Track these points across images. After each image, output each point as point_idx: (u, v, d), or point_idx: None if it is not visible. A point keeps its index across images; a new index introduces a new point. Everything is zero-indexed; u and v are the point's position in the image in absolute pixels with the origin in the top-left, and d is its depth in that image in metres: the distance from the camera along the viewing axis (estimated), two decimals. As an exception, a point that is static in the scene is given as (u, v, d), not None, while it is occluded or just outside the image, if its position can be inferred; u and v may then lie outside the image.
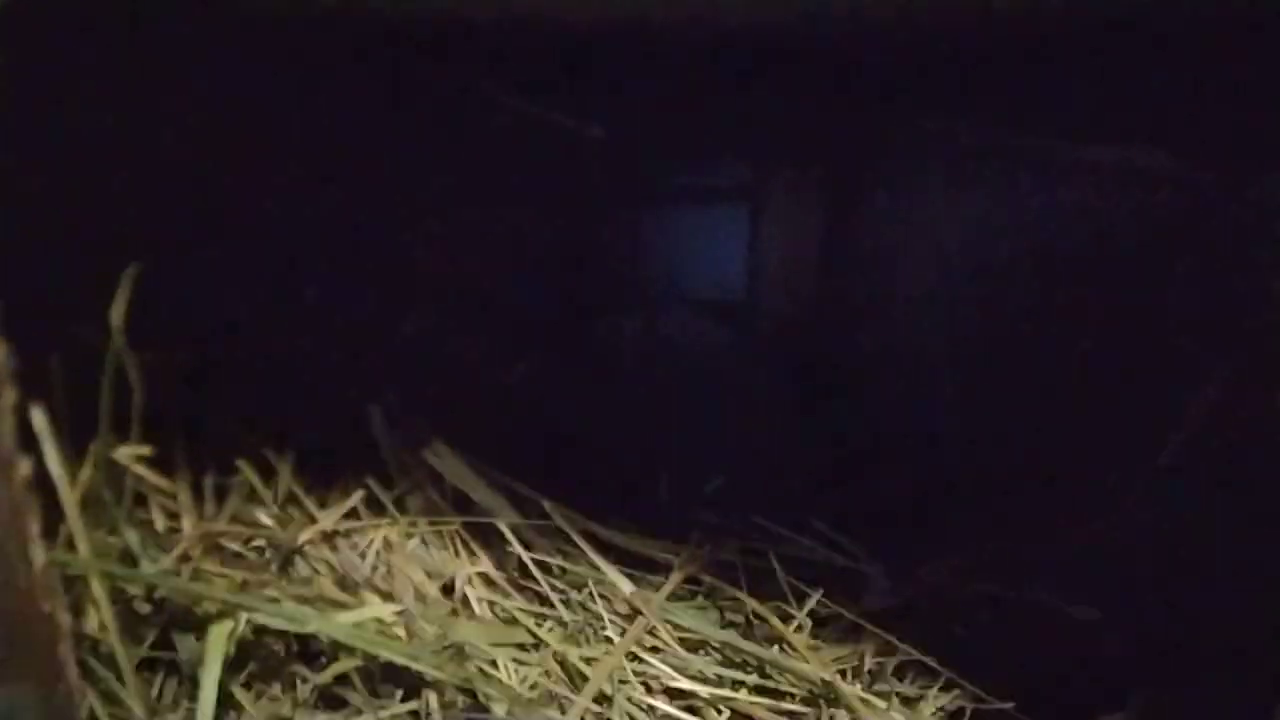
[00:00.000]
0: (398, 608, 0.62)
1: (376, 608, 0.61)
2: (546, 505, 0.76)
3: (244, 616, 0.58)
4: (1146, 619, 0.68)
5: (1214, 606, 0.65)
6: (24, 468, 0.48)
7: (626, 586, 0.75)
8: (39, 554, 0.48)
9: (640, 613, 0.72)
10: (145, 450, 0.54)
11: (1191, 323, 0.69)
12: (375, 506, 0.70)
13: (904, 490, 0.86)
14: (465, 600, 0.69)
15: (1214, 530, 0.67)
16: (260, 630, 0.60)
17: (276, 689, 0.60)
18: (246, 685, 0.60)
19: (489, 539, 0.74)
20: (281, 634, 0.61)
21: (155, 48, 0.60)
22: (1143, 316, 0.71)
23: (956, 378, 0.86)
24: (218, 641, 0.56)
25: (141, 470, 0.55)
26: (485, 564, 0.73)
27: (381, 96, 0.80)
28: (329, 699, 0.60)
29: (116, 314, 0.51)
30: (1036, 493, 0.79)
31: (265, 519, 0.67)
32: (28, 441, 0.50)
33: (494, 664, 0.64)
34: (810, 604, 0.75)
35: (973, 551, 0.81)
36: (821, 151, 0.99)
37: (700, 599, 0.76)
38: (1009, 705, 0.66)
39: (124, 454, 0.53)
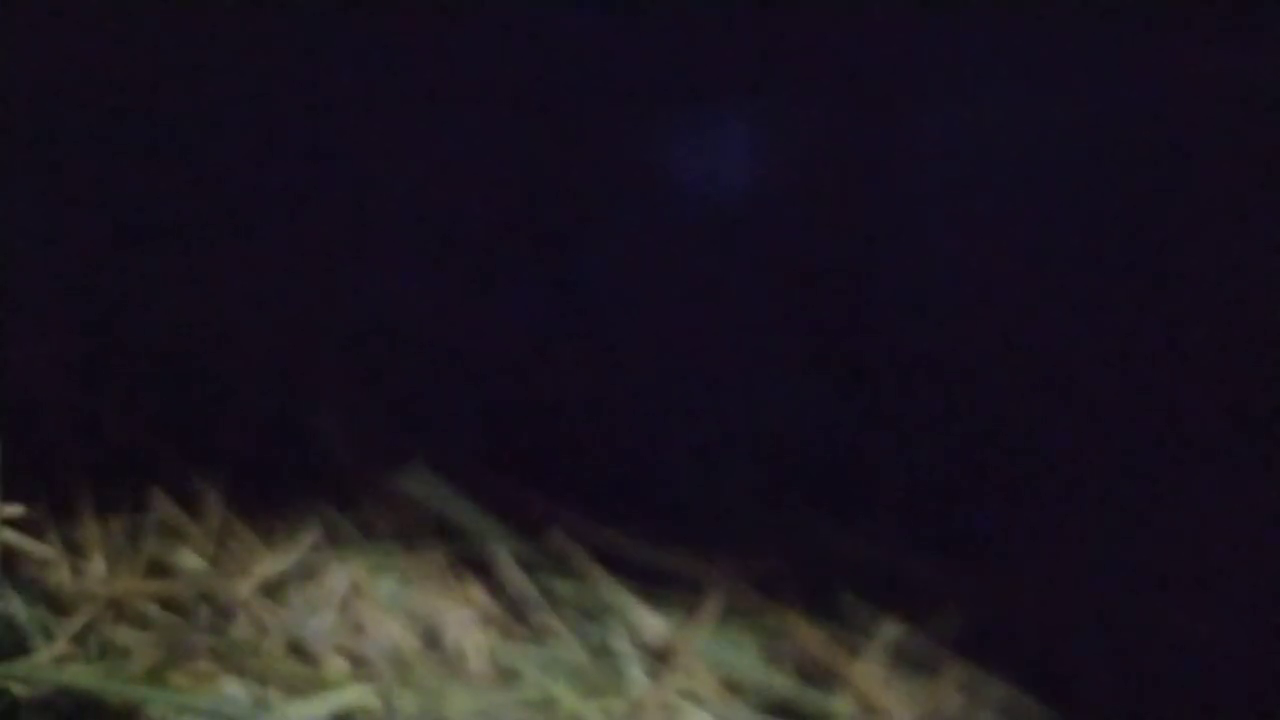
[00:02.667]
0: (372, 689, 0.52)
1: (351, 691, 0.52)
2: (547, 524, 0.68)
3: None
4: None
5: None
6: None
7: (652, 620, 0.67)
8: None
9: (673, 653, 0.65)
10: (15, 511, 0.43)
11: None
12: (333, 545, 0.61)
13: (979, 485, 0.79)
14: (455, 657, 0.60)
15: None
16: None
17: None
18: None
19: (480, 571, 0.66)
20: None
21: None
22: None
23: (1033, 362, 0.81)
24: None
25: (11, 536, 0.44)
26: (477, 601, 0.65)
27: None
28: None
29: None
30: (1128, 492, 0.74)
31: (192, 563, 0.57)
32: None
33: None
34: (881, 630, 0.68)
35: (1068, 557, 0.75)
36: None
37: (746, 631, 0.69)
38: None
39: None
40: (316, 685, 0.54)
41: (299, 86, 0.75)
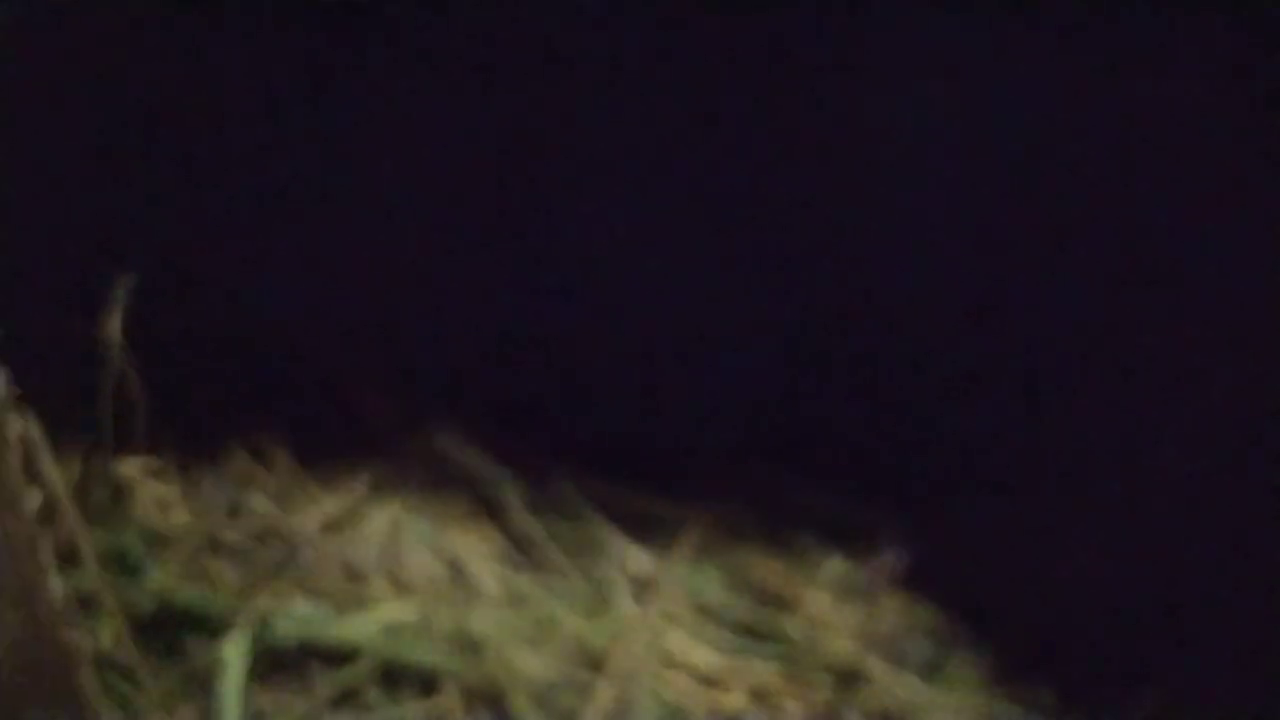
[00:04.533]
0: (413, 606, 0.66)
1: (393, 606, 0.66)
2: (552, 473, 0.80)
3: (258, 618, 0.62)
4: (1174, 584, 0.74)
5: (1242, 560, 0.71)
6: (33, 500, 0.51)
7: (639, 555, 0.79)
8: (56, 584, 0.51)
9: (655, 582, 0.78)
10: (155, 463, 0.56)
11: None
12: (376, 489, 0.74)
13: (923, 435, 0.90)
14: (475, 582, 0.73)
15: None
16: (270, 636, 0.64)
17: (291, 689, 0.65)
18: (260, 686, 0.64)
19: (493, 513, 0.78)
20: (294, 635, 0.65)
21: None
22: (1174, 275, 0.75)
23: (974, 329, 0.90)
24: (235, 650, 0.60)
25: (149, 483, 0.58)
26: (493, 539, 0.77)
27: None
28: (346, 699, 0.65)
29: (112, 327, 0.53)
30: (1063, 447, 0.84)
31: (264, 506, 0.70)
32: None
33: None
34: (828, 567, 0.81)
35: (998, 506, 0.87)
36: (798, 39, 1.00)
37: (716, 564, 0.81)
38: (1035, 670, 0.73)
39: (133, 467, 0.56)
40: (367, 603, 0.68)
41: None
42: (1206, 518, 0.75)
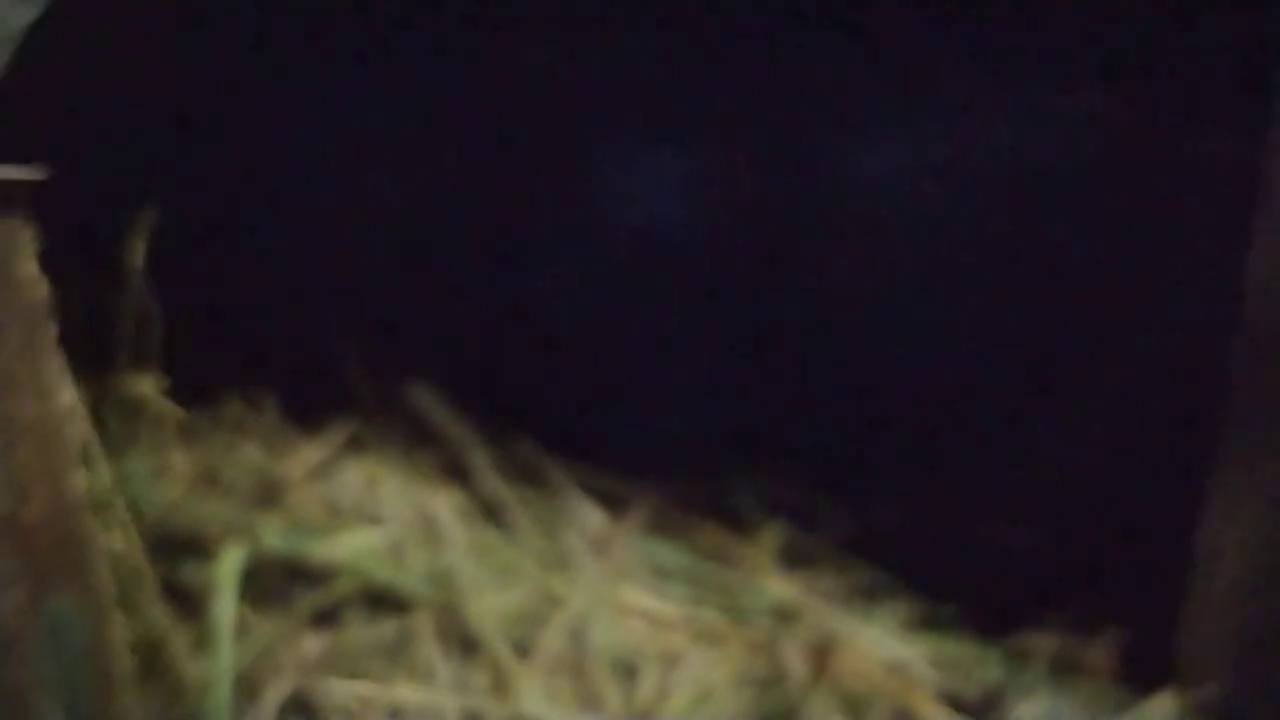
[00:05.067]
0: (389, 532, 0.73)
1: (371, 532, 0.73)
2: (520, 441, 0.87)
3: (250, 542, 0.68)
4: (1074, 538, 0.82)
5: (1133, 525, 0.79)
6: (66, 397, 0.58)
7: (597, 517, 0.87)
8: (79, 476, 0.58)
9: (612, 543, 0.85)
10: (163, 383, 0.64)
11: (1134, 269, 0.82)
12: (356, 444, 0.81)
13: (858, 424, 0.99)
14: (445, 531, 0.80)
15: (1137, 459, 0.81)
16: (259, 556, 0.71)
17: (277, 610, 0.71)
18: (249, 607, 0.70)
19: (465, 474, 0.85)
20: (279, 559, 0.71)
21: None
22: (1087, 259, 0.85)
23: (905, 322, 0.99)
24: (230, 564, 0.67)
25: (159, 402, 0.65)
26: (462, 498, 0.84)
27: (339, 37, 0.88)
28: (327, 619, 0.72)
29: (135, 255, 0.61)
30: (980, 427, 0.93)
31: (255, 451, 0.77)
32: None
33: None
34: (772, 532, 0.88)
35: (923, 482, 0.95)
36: (773, 91, 1.09)
37: (667, 531, 0.89)
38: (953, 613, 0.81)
39: (145, 387, 0.63)
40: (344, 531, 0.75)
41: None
42: (1098, 483, 0.85)
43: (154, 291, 0.67)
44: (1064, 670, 0.70)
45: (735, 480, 0.94)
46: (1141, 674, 0.66)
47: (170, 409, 0.67)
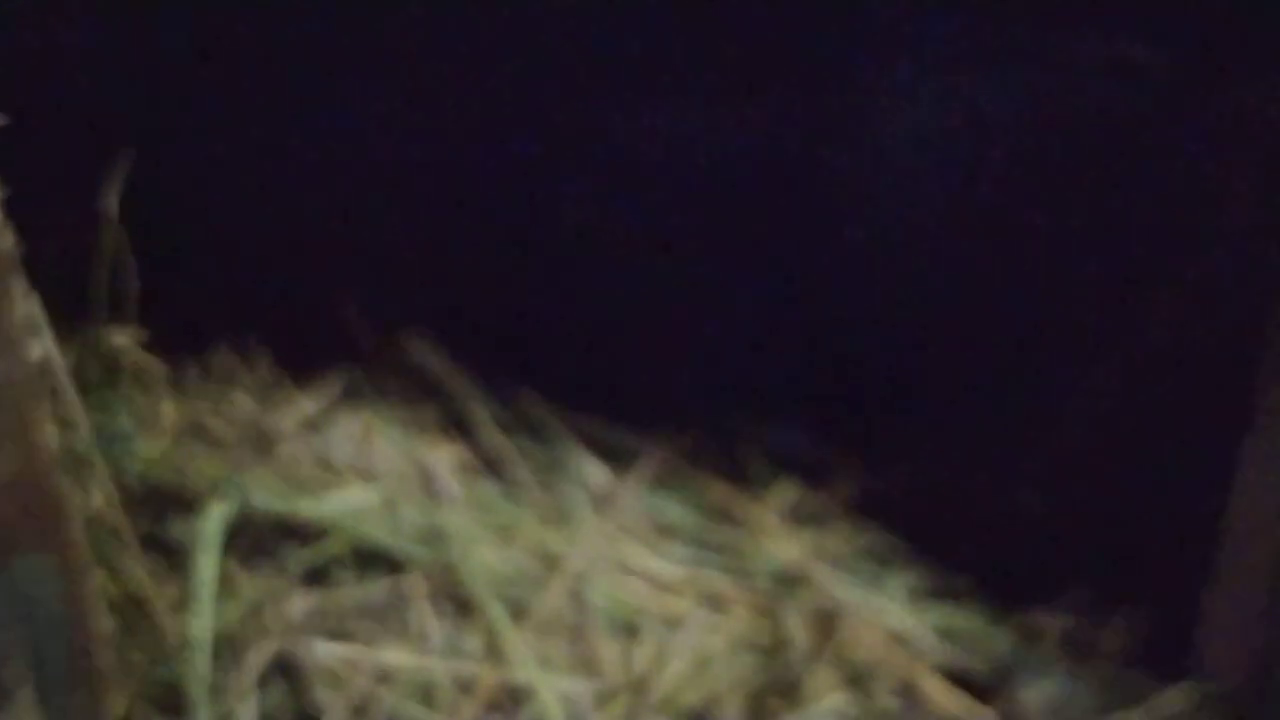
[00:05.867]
0: (383, 488, 0.71)
1: (361, 490, 0.71)
2: (522, 394, 0.85)
3: (237, 496, 0.67)
4: (1093, 511, 0.79)
5: (1156, 501, 0.76)
6: (35, 350, 0.56)
7: (600, 473, 0.85)
8: (51, 433, 0.56)
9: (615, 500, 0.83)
10: (141, 334, 0.62)
11: (1156, 225, 0.79)
12: (351, 395, 0.79)
13: (874, 382, 0.96)
14: (442, 486, 0.79)
15: (1162, 430, 0.78)
16: (247, 513, 0.69)
17: (265, 568, 0.70)
18: (238, 564, 0.69)
19: (464, 427, 0.83)
20: (268, 516, 0.70)
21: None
22: (1111, 216, 0.81)
23: (923, 278, 0.96)
24: (214, 519, 0.66)
25: (137, 354, 0.63)
26: (460, 451, 0.83)
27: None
28: (316, 578, 0.71)
29: (110, 200, 0.58)
30: (999, 390, 0.90)
31: (247, 403, 0.76)
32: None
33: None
34: (780, 490, 0.86)
35: (940, 444, 0.92)
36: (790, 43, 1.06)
37: (673, 488, 0.87)
38: (965, 584, 0.78)
39: (121, 339, 0.61)
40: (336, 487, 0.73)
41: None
42: (1121, 453, 0.82)
43: (139, 238, 0.64)
44: (1077, 651, 0.68)
45: (745, 437, 0.92)
46: (1159, 659, 0.64)
47: (152, 361, 0.66)
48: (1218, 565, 0.61)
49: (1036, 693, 0.64)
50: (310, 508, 0.70)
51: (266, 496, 0.68)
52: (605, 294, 0.95)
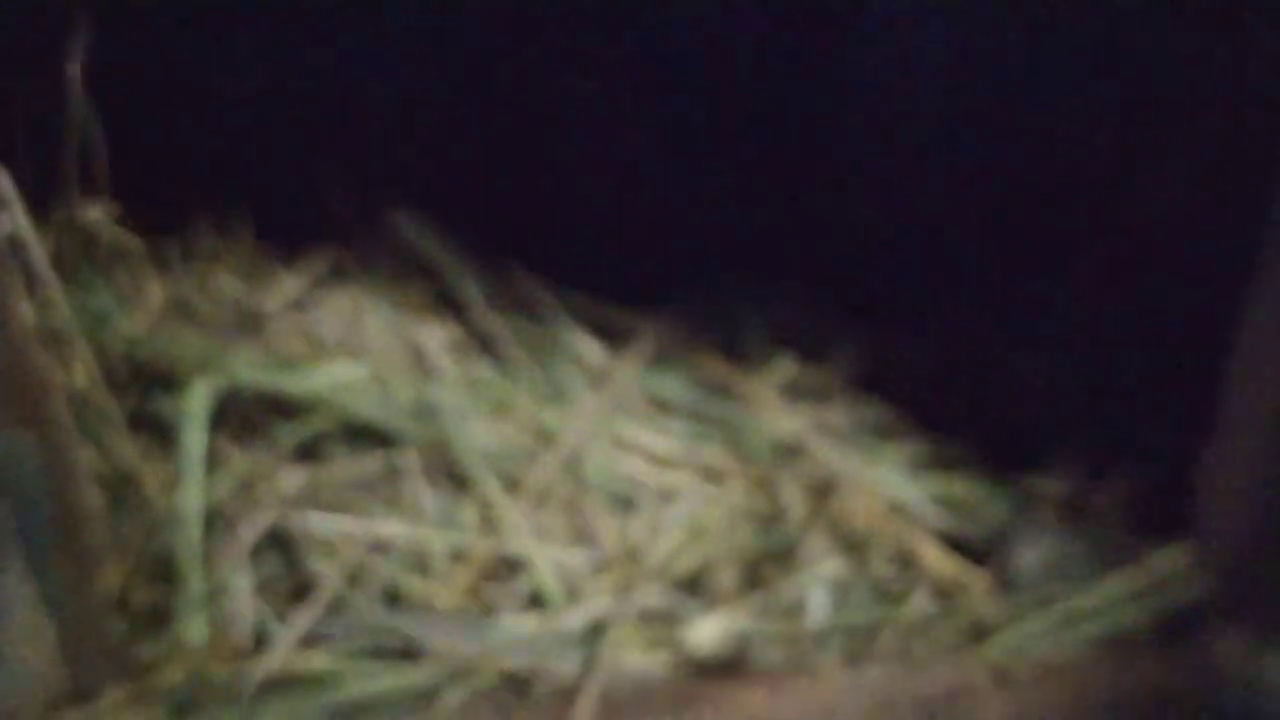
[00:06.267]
0: (373, 365, 0.70)
1: (350, 365, 0.70)
2: (515, 270, 0.84)
3: (224, 372, 0.66)
4: (1093, 375, 0.78)
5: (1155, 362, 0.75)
6: (4, 224, 0.55)
7: (597, 350, 0.84)
8: (25, 309, 0.56)
9: (611, 376, 0.82)
10: (115, 210, 0.60)
11: (1160, 81, 0.76)
12: (338, 274, 0.78)
13: (873, 250, 0.94)
14: (433, 364, 0.78)
15: (1163, 289, 0.76)
16: (235, 390, 0.69)
17: (255, 444, 0.70)
18: (227, 440, 0.69)
19: (457, 307, 0.82)
20: (257, 392, 0.69)
21: None
22: (1114, 74, 0.78)
23: (921, 149, 0.93)
24: (199, 395, 0.65)
25: (114, 230, 0.62)
26: (453, 330, 0.82)
27: None
28: (307, 454, 0.70)
29: (73, 68, 0.56)
30: (996, 256, 0.88)
31: (231, 282, 0.75)
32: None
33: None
34: (780, 365, 0.85)
35: (936, 315, 0.91)
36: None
37: (670, 364, 0.86)
38: (962, 452, 0.78)
39: (95, 214, 0.60)
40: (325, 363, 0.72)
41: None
42: (1121, 316, 0.80)
43: (117, 110, 0.62)
44: (1074, 514, 0.68)
45: (742, 310, 0.91)
46: (1157, 521, 0.63)
47: (130, 238, 0.64)
48: (1219, 426, 0.60)
49: (1032, 556, 0.64)
50: (299, 384, 0.70)
51: (254, 373, 0.67)
52: (600, 168, 0.93)
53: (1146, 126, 0.79)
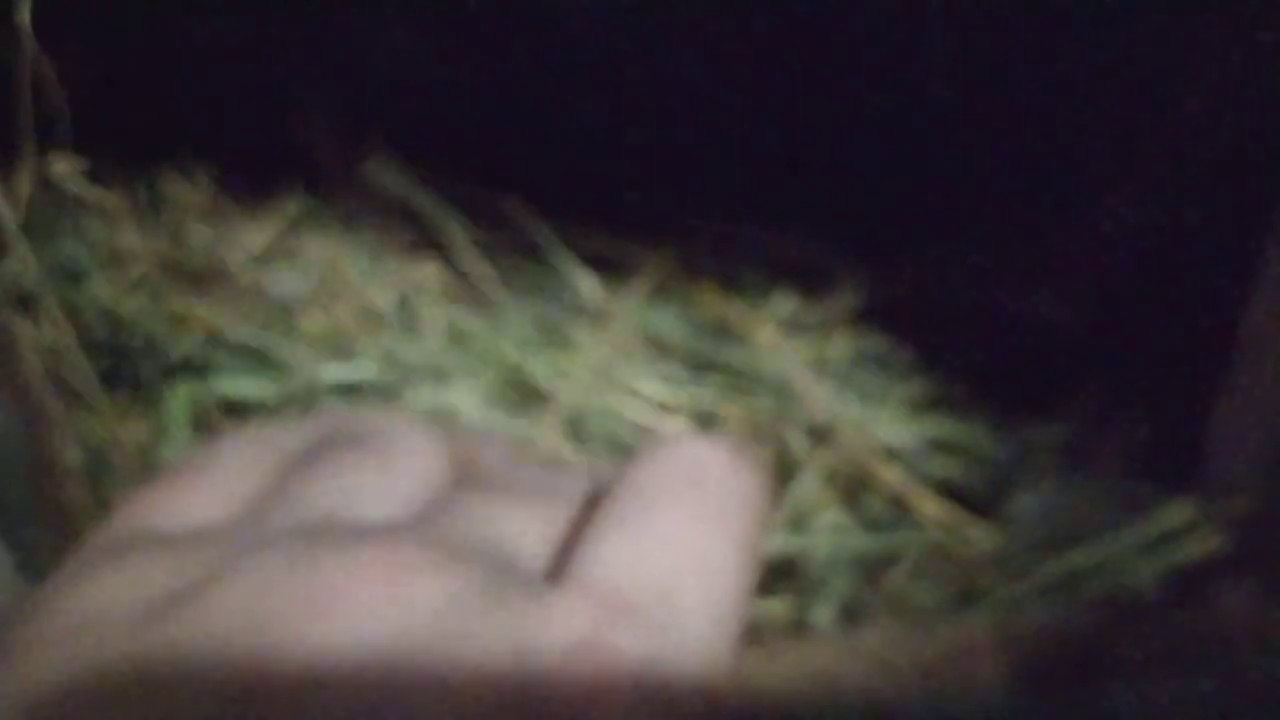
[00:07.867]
0: (350, 320, 0.69)
1: (332, 321, 0.69)
2: (504, 203, 0.81)
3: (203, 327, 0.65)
4: (1102, 318, 0.76)
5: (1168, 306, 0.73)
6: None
7: (596, 292, 0.82)
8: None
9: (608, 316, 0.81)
10: (79, 163, 0.58)
11: (1177, 29, 0.72)
12: (312, 220, 0.76)
13: (877, 183, 0.92)
14: (416, 314, 0.76)
15: (1179, 233, 0.74)
16: (217, 345, 0.68)
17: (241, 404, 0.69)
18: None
19: (439, 248, 0.80)
20: (239, 349, 0.68)
21: None
22: (1131, 15, 0.74)
23: (926, 77, 0.90)
24: (183, 351, 0.64)
25: (82, 185, 0.60)
26: (437, 277, 0.80)
27: None
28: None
29: (21, 15, 0.54)
30: (1004, 194, 0.86)
31: (199, 236, 0.73)
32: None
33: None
34: (779, 302, 0.84)
35: (943, 252, 0.89)
36: None
37: (669, 303, 0.84)
38: (966, 393, 0.76)
39: (61, 168, 0.58)
40: (300, 330, 0.71)
41: None
42: (1133, 259, 0.78)
43: (76, 55, 0.59)
44: (1077, 462, 0.66)
45: (744, 245, 0.89)
46: (1164, 471, 0.62)
47: (101, 193, 0.63)
48: (1231, 374, 0.58)
49: (1031, 504, 0.63)
50: (284, 341, 0.68)
51: (234, 330, 0.66)
52: (590, 98, 0.90)
53: (1168, 64, 0.75)
